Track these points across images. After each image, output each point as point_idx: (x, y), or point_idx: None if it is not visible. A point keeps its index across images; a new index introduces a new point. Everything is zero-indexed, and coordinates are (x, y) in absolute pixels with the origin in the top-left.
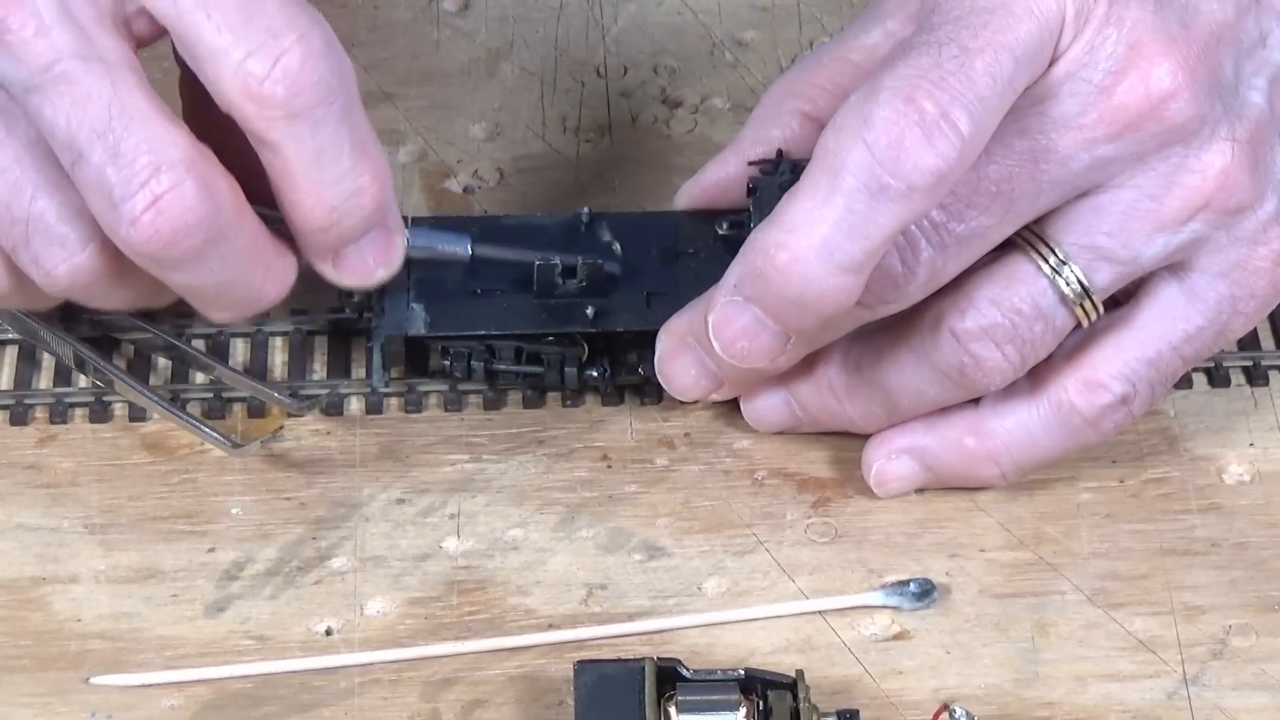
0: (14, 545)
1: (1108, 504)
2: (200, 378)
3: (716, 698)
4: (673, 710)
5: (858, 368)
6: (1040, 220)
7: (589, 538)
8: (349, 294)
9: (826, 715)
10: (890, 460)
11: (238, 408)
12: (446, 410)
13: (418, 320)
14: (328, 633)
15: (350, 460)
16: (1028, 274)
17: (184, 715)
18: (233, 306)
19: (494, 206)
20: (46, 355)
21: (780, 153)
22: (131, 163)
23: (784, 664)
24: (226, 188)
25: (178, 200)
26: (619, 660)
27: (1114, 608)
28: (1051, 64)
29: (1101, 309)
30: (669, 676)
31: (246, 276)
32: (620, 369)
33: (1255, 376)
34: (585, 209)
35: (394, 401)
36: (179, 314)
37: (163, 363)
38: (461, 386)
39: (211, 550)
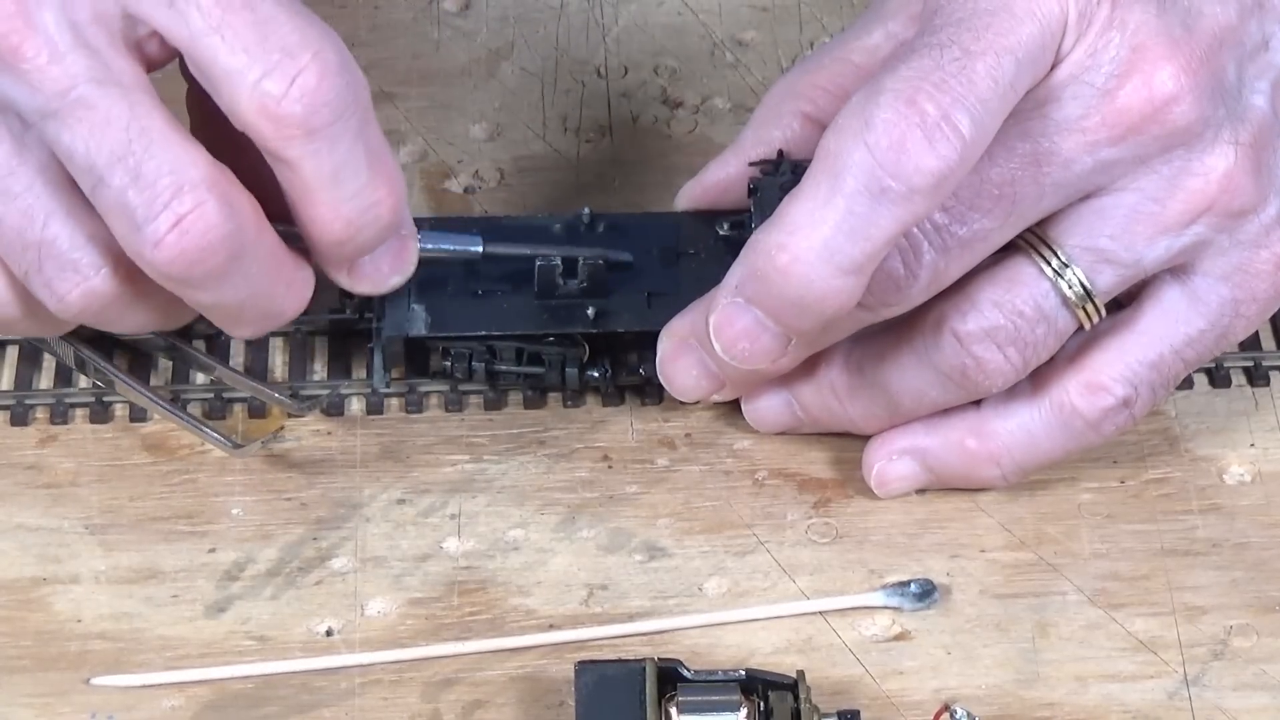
0: (14, 545)
1: (1109, 504)
2: (201, 378)
3: (717, 698)
4: (673, 711)
5: (859, 369)
6: (1043, 223)
7: (590, 538)
8: (349, 295)
9: (827, 716)
10: (891, 461)
11: (238, 408)
12: (447, 411)
13: (418, 321)
14: (328, 633)
15: (351, 461)
16: (1030, 276)
17: (184, 716)
18: (255, 322)
19: (494, 207)
20: (47, 356)
21: (781, 153)
22: (153, 184)
23: (785, 664)
24: (247, 205)
25: (201, 220)
26: (620, 661)
27: (1115, 608)
28: (1054, 67)
29: (1104, 311)
30: (670, 677)
31: (268, 291)
32: (621, 369)
33: (1256, 377)
34: (586, 209)
35: (395, 402)
36: None
37: (163, 363)
38: (462, 387)
39: (212, 551)
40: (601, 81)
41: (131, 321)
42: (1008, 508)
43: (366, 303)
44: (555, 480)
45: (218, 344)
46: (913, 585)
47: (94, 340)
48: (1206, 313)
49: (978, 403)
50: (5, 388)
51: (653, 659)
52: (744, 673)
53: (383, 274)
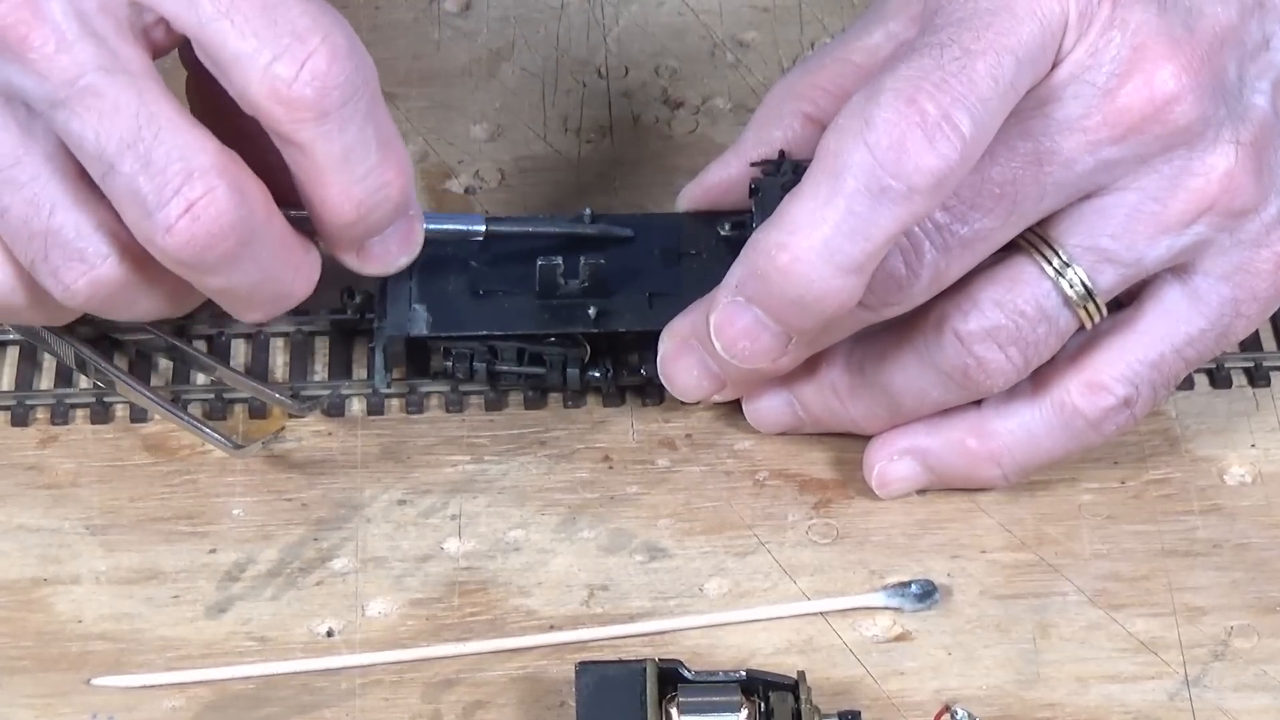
0: (15, 546)
1: (1109, 505)
2: (201, 379)
3: (718, 699)
4: (674, 711)
5: (861, 369)
6: (1044, 222)
7: (590, 539)
8: (350, 295)
9: (828, 716)
10: (892, 461)
11: (239, 409)
12: (448, 411)
13: (419, 321)
14: (329, 634)
15: (352, 461)
16: (1031, 276)
17: (185, 716)
18: (264, 306)
19: (495, 207)
20: (48, 356)
21: (782, 153)
22: (163, 170)
23: (785, 665)
24: (256, 190)
25: (212, 205)
26: (620, 661)
27: (1115, 609)
28: (1055, 66)
29: (1105, 311)
30: (670, 678)
31: (278, 274)
32: (622, 370)
33: (1257, 377)
34: (587, 210)
35: (395, 402)
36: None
37: (164, 363)
38: (463, 387)
39: (213, 551)
40: (602, 82)
41: (138, 309)
42: (1008, 508)
43: (367, 303)
44: (556, 481)
45: (218, 344)
46: (913, 586)
47: (94, 340)
48: (1207, 312)
49: (978, 403)
50: (5, 388)
51: (653, 660)
52: (745, 673)
53: (391, 254)
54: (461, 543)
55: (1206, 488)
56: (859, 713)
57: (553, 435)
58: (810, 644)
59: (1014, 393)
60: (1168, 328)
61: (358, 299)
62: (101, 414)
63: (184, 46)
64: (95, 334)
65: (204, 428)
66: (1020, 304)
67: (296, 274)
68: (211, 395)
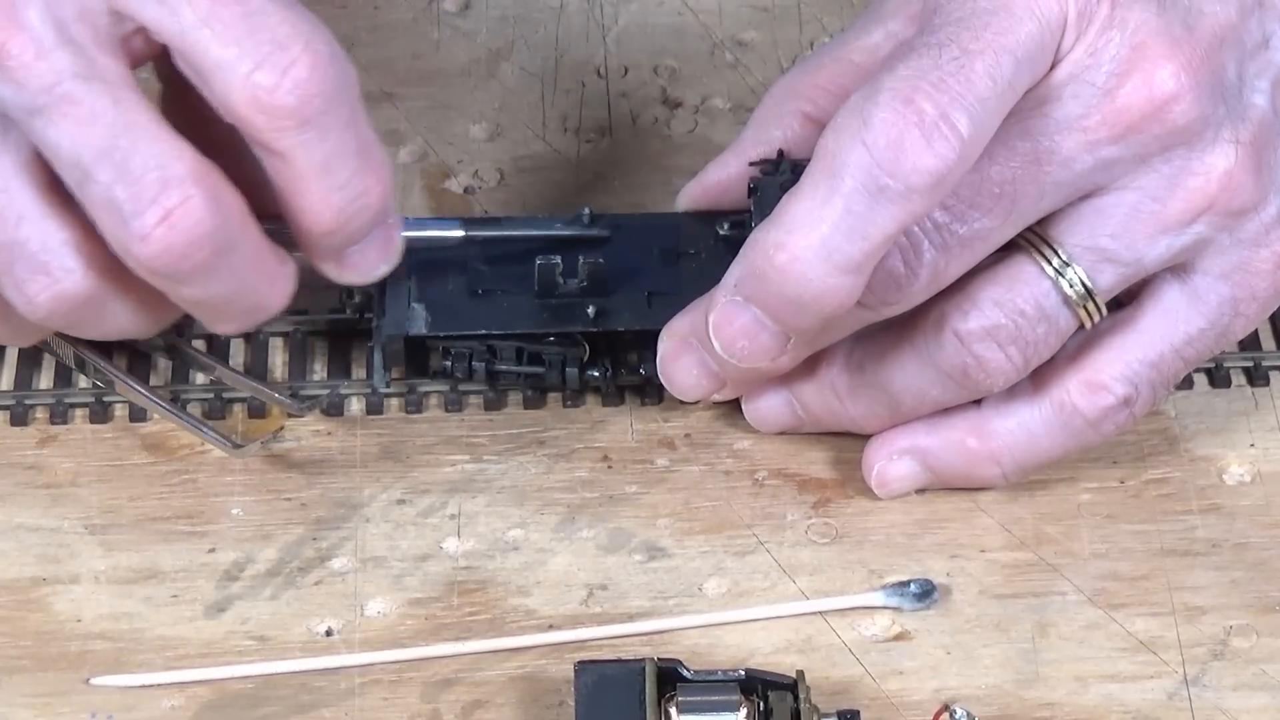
0: (14, 545)
1: (1108, 504)
2: (200, 378)
3: (717, 698)
4: (673, 711)
5: (860, 368)
6: (1043, 222)
7: (589, 538)
8: (349, 294)
9: (827, 716)
10: (891, 461)
11: (238, 408)
12: (447, 411)
13: (418, 320)
14: (328, 633)
15: (351, 461)
16: (1031, 275)
17: (184, 716)
18: (239, 317)
19: (494, 207)
20: (47, 356)
21: (781, 153)
22: (140, 179)
23: (784, 664)
24: (233, 199)
25: (188, 214)
26: (619, 661)
27: (1114, 608)
28: (1054, 66)
29: (1105, 310)
30: (669, 677)
31: (254, 285)
32: (621, 369)
33: (1256, 377)
34: (586, 210)
35: (394, 402)
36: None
37: (163, 363)
38: (462, 387)
39: (212, 551)
40: (601, 81)
41: (106, 327)
42: (1007, 508)
43: (366, 303)
44: (555, 480)
45: (217, 344)
46: (912, 585)
47: (94, 340)
48: (1206, 311)
49: (978, 402)
50: (5, 388)
51: (652, 659)
52: (744, 673)
53: (370, 263)
54: (460, 542)
55: (1206, 487)
56: (858, 712)
57: (552, 435)
58: (809, 643)
59: (1014, 392)
60: (1167, 327)
61: (357, 299)
62: (101, 414)
63: (160, 60)
64: None
65: (203, 427)
66: (1020, 303)
67: (272, 285)
68: (210, 395)
